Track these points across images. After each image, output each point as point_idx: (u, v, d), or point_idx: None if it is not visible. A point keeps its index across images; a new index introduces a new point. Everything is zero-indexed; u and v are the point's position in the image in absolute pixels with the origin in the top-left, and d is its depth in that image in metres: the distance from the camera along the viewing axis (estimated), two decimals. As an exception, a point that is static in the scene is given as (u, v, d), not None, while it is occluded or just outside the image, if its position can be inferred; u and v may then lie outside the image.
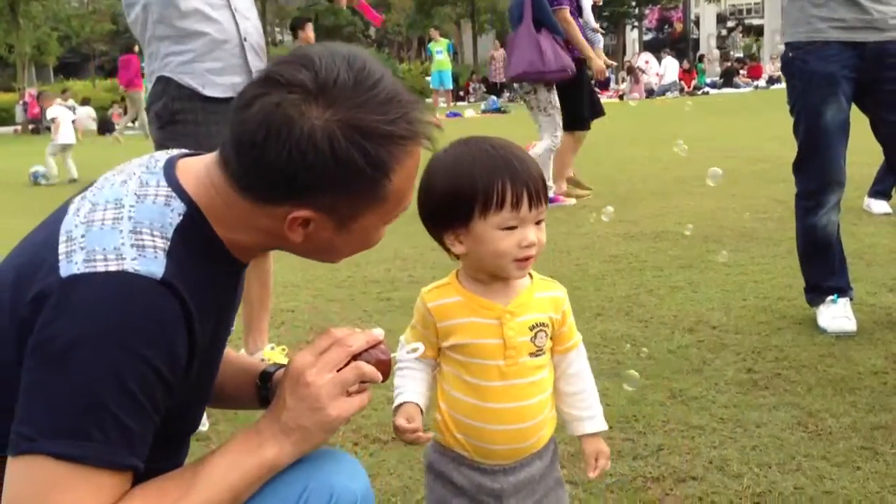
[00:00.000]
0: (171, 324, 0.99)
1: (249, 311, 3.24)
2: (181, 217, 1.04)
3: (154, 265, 0.99)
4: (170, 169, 1.10)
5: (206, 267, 1.07)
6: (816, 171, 3.47)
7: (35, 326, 0.97)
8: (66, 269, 0.98)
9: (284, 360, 2.32)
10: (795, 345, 3.36)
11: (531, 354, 1.48)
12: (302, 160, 1.00)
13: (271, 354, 3.33)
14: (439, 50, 20.75)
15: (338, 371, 1.07)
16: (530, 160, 1.43)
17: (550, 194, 7.04)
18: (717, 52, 32.41)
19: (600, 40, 7.27)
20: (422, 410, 1.47)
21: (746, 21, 47.43)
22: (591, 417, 1.62)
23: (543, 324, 1.47)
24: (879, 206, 5.70)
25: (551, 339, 1.50)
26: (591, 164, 9.53)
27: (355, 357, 1.11)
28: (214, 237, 1.08)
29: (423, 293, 1.52)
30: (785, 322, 3.64)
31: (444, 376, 1.51)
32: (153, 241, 1.01)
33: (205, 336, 1.07)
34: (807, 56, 3.37)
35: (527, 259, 1.42)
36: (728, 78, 27.06)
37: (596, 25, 7.32)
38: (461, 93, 29.16)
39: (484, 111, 22.44)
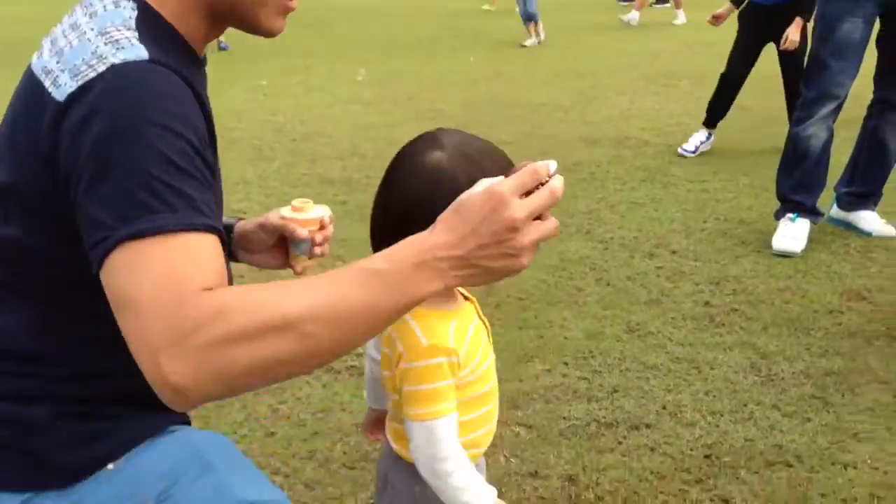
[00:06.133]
0: (180, 94, 1.01)
1: None
2: (135, 11, 1.06)
3: (134, 51, 1.01)
4: None
5: (176, 54, 1.09)
6: (815, 81, 3.51)
7: (61, 160, 1.00)
8: (60, 94, 1.00)
9: None
10: (754, 275, 3.35)
11: None
12: None
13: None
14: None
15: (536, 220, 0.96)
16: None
17: None
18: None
19: None
20: None
21: None
22: None
23: None
24: None
25: None
26: (555, 53, 9.28)
27: None
28: (168, 25, 1.10)
29: (438, 346, 1.23)
30: (745, 249, 3.62)
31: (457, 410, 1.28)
32: (121, 34, 1.03)
33: (210, 131, 1.09)
34: None
35: None
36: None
37: None
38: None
39: None
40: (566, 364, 2.71)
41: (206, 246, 0.95)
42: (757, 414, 2.41)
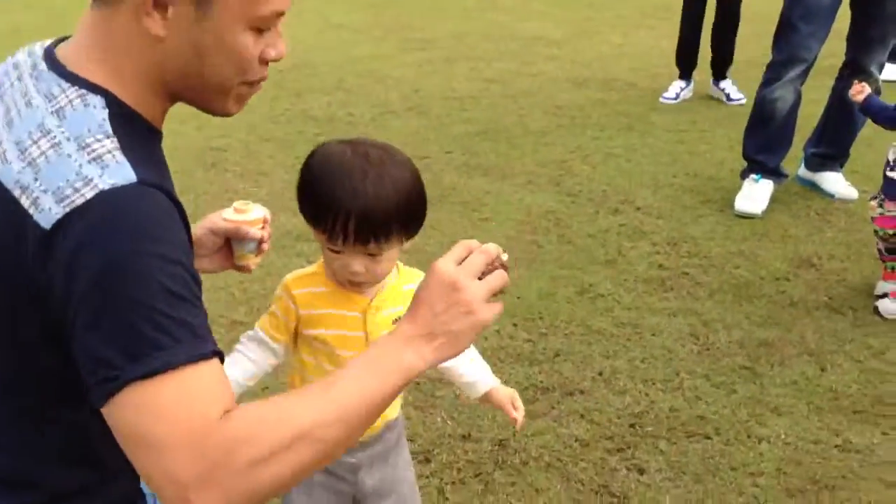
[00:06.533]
0: (168, 218, 1.01)
1: None
2: (105, 108, 1.02)
3: (122, 171, 0.98)
4: (57, 65, 1.06)
5: (148, 147, 1.07)
6: (784, 44, 3.55)
7: (55, 292, 0.97)
8: (46, 221, 0.96)
9: None
10: (711, 237, 3.44)
11: None
12: None
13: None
14: None
15: (479, 278, 1.09)
16: (393, 190, 1.39)
17: None
18: None
19: None
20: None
21: None
22: (480, 380, 1.69)
23: None
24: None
25: None
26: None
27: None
28: (136, 114, 1.07)
29: (286, 281, 1.54)
30: (708, 208, 3.70)
31: (304, 364, 1.53)
32: (102, 146, 0.99)
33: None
34: None
35: (357, 283, 1.45)
36: None
37: None
38: None
39: None
40: (515, 325, 2.83)
41: (213, 373, 0.99)
42: (686, 384, 2.54)
